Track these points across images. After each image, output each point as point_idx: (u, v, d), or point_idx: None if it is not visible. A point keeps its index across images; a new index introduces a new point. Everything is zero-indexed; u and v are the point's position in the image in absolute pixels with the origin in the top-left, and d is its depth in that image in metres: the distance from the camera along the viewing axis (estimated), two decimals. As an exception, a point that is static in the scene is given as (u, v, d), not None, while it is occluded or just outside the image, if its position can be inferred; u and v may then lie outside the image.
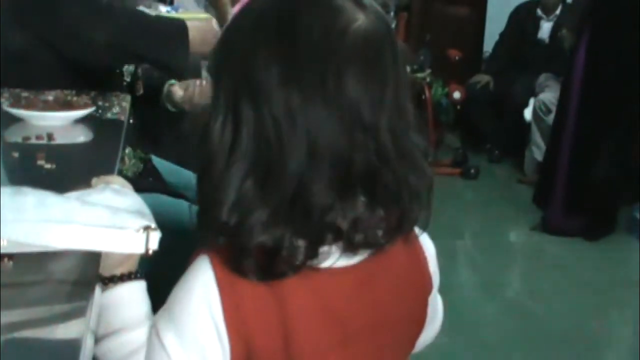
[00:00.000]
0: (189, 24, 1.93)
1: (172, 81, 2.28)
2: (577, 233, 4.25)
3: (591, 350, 3.14)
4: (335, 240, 0.92)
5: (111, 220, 0.87)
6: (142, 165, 2.01)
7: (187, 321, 0.93)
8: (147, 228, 0.88)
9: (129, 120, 1.81)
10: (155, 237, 0.89)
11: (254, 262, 0.89)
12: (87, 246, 0.85)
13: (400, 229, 0.99)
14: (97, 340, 0.93)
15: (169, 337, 0.93)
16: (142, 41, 1.90)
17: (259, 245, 0.88)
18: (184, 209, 1.82)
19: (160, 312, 0.96)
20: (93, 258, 0.88)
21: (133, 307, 0.98)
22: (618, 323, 3.45)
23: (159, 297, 1.01)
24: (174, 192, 1.97)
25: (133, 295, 0.99)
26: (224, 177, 0.88)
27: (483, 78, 5.99)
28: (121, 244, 0.87)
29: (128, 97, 2.00)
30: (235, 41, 0.94)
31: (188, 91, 2.23)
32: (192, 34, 1.92)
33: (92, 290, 0.81)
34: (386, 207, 0.95)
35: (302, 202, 0.88)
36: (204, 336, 0.92)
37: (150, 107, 2.26)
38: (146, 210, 0.96)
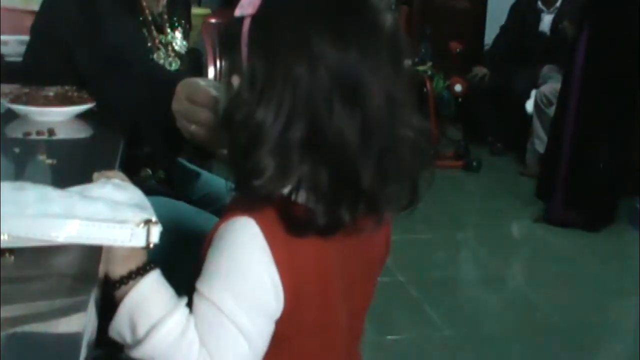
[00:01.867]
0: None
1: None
2: (579, 225, 4.25)
3: (593, 342, 3.14)
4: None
5: (111, 214, 0.87)
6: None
7: (245, 285, 0.97)
8: (147, 222, 0.88)
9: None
10: (156, 231, 0.89)
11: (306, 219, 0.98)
12: (88, 240, 0.85)
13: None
14: (143, 337, 0.94)
15: (225, 301, 0.95)
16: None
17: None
18: (187, 211, 1.82)
19: (206, 279, 0.98)
20: (94, 252, 0.88)
21: (163, 294, 0.98)
22: (620, 314, 3.46)
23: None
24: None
25: (158, 284, 0.99)
26: (264, 125, 0.95)
27: (480, 70, 5.99)
28: (122, 238, 0.87)
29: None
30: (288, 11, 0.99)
31: None
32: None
33: (94, 284, 0.81)
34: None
35: (344, 167, 0.97)
36: (264, 295, 0.98)
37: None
38: (147, 204, 0.97)
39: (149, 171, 1.94)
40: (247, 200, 1.00)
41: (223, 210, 1.06)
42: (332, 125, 0.96)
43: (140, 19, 1.88)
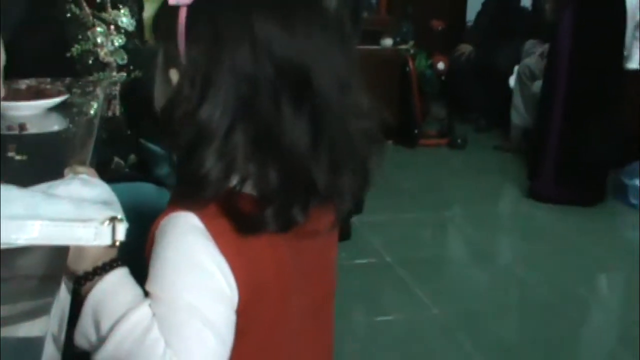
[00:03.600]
0: None
1: None
2: (568, 200, 4.25)
3: (582, 316, 3.15)
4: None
5: (76, 213, 0.85)
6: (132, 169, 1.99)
7: (195, 275, 0.93)
8: (113, 219, 0.86)
9: (104, 105, 1.79)
10: (121, 228, 0.87)
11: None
12: (52, 241, 0.83)
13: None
14: (107, 334, 0.92)
15: (181, 297, 0.92)
16: None
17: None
18: (164, 194, 1.82)
19: (156, 278, 0.94)
20: (59, 253, 0.86)
21: (128, 290, 0.96)
22: (608, 288, 3.47)
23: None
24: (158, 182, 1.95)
25: (124, 279, 0.97)
26: (209, 125, 0.92)
27: (466, 48, 5.98)
28: (86, 237, 0.85)
29: (104, 83, 1.97)
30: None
31: None
32: None
33: (58, 285, 0.79)
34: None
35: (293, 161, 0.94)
36: (216, 283, 0.94)
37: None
38: (114, 200, 0.95)
39: (120, 161, 1.94)
40: (188, 196, 0.96)
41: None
42: (280, 120, 0.93)
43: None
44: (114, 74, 2.00)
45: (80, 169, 1.10)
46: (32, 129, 1.53)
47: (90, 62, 1.96)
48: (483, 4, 6.11)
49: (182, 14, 0.95)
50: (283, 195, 0.95)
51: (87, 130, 1.57)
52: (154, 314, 0.93)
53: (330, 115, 0.96)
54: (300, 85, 0.94)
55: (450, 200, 4.52)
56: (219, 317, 0.94)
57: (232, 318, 0.96)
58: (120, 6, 2.04)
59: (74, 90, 1.85)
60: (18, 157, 1.31)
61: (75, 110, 1.72)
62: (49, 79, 1.92)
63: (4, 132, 1.48)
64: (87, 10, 1.96)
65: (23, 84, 1.81)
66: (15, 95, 1.67)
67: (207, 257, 0.93)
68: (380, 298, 3.16)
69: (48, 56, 1.91)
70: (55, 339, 0.74)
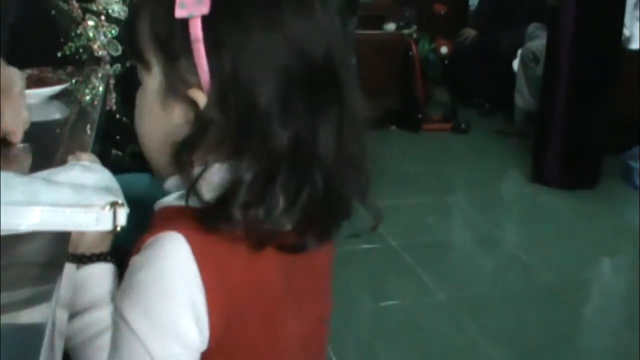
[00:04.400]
0: None
1: None
2: (573, 184, 4.25)
3: (587, 300, 3.15)
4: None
5: (76, 199, 0.84)
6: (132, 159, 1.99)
7: (160, 305, 0.86)
8: (114, 204, 0.86)
9: (106, 94, 1.78)
10: (122, 213, 0.86)
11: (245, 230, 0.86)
12: (53, 227, 0.83)
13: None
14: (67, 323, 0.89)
15: (138, 322, 0.86)
16: None
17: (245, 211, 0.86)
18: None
19: (123, 295, 0.89)
20: (61, 239, 0.85)
21: (99, 286, 0.94)
22: (613, 271, 3.46)
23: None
24: None
25: (101, 276, 0.95)
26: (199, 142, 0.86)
27: (470, 32, 5.97)
28: (87, 222, 0.85)
29: (106, 71, 1.96)
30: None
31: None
32: None
33: (60, 272, 0.78)
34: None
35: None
36: (183, 323, 0.86)
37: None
38: (115, 185, 0.94)
39: (118, 152, 1.93)
40: (176, 211, 0.90)
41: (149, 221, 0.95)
42: (316, 130, 0.87)
43: None
44: (108, 67, 1.96)
45: (83, 155, 1.10)
46: (33, 117, 1.52)
47: (84, 57, 1.91)
48: (485, -12, 6.10)
49: (196, 27, 0.85)
50: (300, 211, 0.87)
51: (88, 118, 1.56)
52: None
53: (351, 112, 0.90)
54: (329, 77, 0.88)
55: (454, 185, 4.52)
56: (167, 353, 0.87)
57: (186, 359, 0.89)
58: None
59: (76, 78, 1.84)
60: (20, 146, 1.30)
61: (76, 98, 1.71)
62: (50, 68, 1.92)
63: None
64: (75, 4, 1.90)
65: (24, 73, 1.80)
66: (17, 83, 1.66)
67: (184, 293, 0.86)
68: (386, 283, 3.16)
69: (40, 57, 1.88)
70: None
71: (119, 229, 0.87)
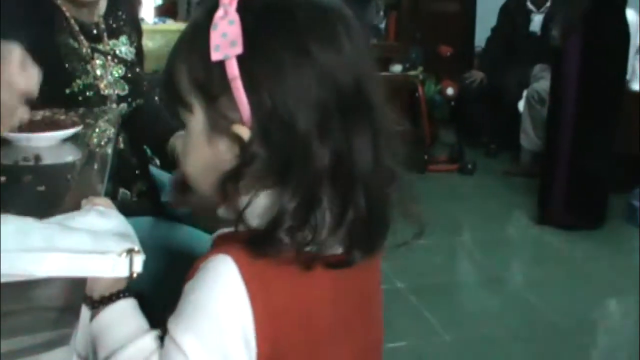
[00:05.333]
0: None
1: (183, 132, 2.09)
2: (578, 225, 4.25)
3: (594, 341, 3.14)
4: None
5: (93, 245, 0.86)
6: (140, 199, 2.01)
7: (210, 328, 0.89)
8: (130, 251, 0.88)
9: (117, 137, 1.80)
10: (139, 260, 0.88)
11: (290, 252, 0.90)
12: (70, 273, 0.85)
13: None
14: None
15: (189, 344, 0.88)
16: None
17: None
18: (181, 232, 1.83)
19: (175, 317, 0.91)
20: (77, 284, 0.87)
21: (131, 321, 0.96)
22: (620, 313, 3.45)
23: (159, 318, 0.99)
24: (171, 214, 1.96)
25: (127, 311, 0.97)
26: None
27: (477, 74, 5.99)
28: (104, 269, 0.87)
29: (116, 112, 1.98)
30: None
31: None
32: None
33: (77, 316, 0.80)
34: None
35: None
36: (230, 341, 0.89)
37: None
38: (131, 232, 0.96)
39: (126, 191, 1.95)
40: (229, 236, 0.94)
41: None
42: (353, 149, 0.91)
43: (66, 30, 1.90)
44: (114, 106, 1.99)
45: (97, 200, 1.12)
46: (46, 160, 1.54)
47: (91, 95, 1.95)
48: (492, 30, 6.12)
49: (233, 67, 0.89)
50: (344, 229, 0.92)
51: (101, 161, 1.58)
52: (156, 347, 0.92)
53: (384, 129, 0.95)
54: (361, 103, 0.93)
55: (460, 226, 4.52)
56: None
57: None
58: (118, 33, 2.04)
59: (88, 121, 1.86)
60: (40, 188, 1.32)
61: (87, 140, 1.74)
62: (63, 109, 1.94)
63: (20, 163, 1.50)
64: (85, 42, 1.95)
65: (37, 114, 1.82)
66: (30, 126, 1.68)
67: (233, 316, 0.89)
68: (392, 324, 3.13)
69: (48, 94, 1.89)
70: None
71: (135, 275, 0.89)
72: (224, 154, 0.94)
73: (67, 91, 1.92)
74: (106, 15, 2.01)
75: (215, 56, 0.89)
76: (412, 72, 5.58)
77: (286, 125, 0.89)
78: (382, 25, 6.39)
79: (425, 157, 5.41)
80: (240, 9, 0.90)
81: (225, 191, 0.92)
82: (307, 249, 0.90)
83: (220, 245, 0.94)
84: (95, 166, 1.56)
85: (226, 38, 0.89)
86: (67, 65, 1.91)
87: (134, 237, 0.94)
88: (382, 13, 6.23)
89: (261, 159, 0.89)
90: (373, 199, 0.93)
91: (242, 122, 0.91)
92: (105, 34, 1.99)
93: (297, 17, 0.91)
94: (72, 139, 1.69)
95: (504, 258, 4.09)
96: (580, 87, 4.19)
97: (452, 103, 5.76)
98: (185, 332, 0.89)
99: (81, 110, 1.96)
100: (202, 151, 0.96)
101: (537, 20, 5.84)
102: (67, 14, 1.92)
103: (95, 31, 1.97)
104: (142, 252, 0.89)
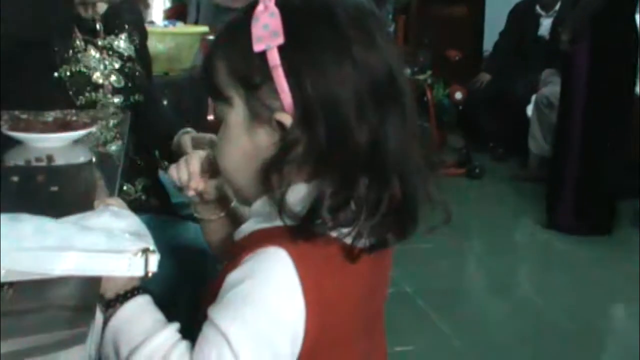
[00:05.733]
0: None
1: (188, 129, 2.08)
2: (586, 230, 4.25)
3: (602, 347, 3.13)
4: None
5: (109, 244, 0.87)
6: (145, 196, 2.02)
7: (260, 319, 0.91)
8: (145, 250, 0.88)
9: (128, 138, 1.81)
10: (154, 260, 0.89)
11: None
12: (86, 272, 0.85)
13: None
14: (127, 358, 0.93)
15: (236, 334, 0.90)
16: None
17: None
18: (191, 230, 1.84)
19: (219, 307, 0.93)
20: (93, 283, 0.88)
21: (150, 316, 0.98)
22: (627, 319, 3.44)
23: (173, 315, 1.01)
24: (180, 213, 1.97)
25: (145, 306, 0.99)
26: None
27: (484, 77, 6.00)
28: (120, 268, 0.87)
29: (128, 115, 1.99)
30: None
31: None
32: None
33: (93, 315, 0.81)
34: None
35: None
36: (279, 337, 0.92)
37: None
38: (145, 232, 0.96)
39: (130, 186, 1.97)
40: (267, 232, 0.97)
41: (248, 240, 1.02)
42: (387, 136, 0.96)
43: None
44: (109, 95, 2.01)
45: (110, 200, 1.12)
46: (59, 160, 1.55)
47: (82, 82, 1.97)
48: (500, 34, 6.13)
49: (274, 56, 0.94)
50: (380, 217, 0.96)
51: (112, 162, 1.59)
52: (199, 337, 0.93)
53: (412, 117, 1.00)
54: (396, 97, 0.98)
55: (468, 230, 4.52)
56: None
57: None
58: (117, 31, 2.06)
59: (99, 121, 1.87)
60: (54, 189, 1.32)
61: (99, 141, 1.75)
62: (73, 111, 1.95)
63: (33, 163, 1.51)
64: (79, 34, 1.97)
65: (49, 116, 1.83)
66: (42, 126, 1.70)
67: (287, 310, 0.92)
68: (400, 328, 3.15)
69: (36, 76, 1.91)
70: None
71: (150, 274, 0.90)
72: (264, 143, 0.98)
73: (55, 74, 1.93)
74: (106, 15, 2.04)
75: (257, 47, 0.94)
76: (420, 76, 5.58)
77: (326, 111, 0.93)
78: (391, 29, 6.39)
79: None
80: (278, 4, 0.96)
81: (269, 180, 0.97)
82: (348, 235, 0.95)
83: (258, 240, 0.96)
84: (107, 166, 1.57)
85: (267, 29, 0.94)
86: (55, 49, 1.92)
87: (149, 237, 0.95)
88: (390, 17, 6.23)
89: (303, 144, 0.94)
90: (406, 185, 0.98)
91: (283, 110, 0.95)
92: (102, 31, 2.02)
93: (336, 11, 0.97)
94: (84, 140, 1.70)
95: (512, 263, 4.09)
96: (589, 92, 4.18)
97: (460, 107, 5.76)
98: (232, 322, 0.91)
99: (92, 111, 1.97)
100: (242, 142, 1.01)
101: (545, 24, 5.84)
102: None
103: (92, 26, 2.00)
104: (157, 251, 0.90)
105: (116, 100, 2.02)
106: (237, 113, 1.00)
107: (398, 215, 0.99)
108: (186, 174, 1.16)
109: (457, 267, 4.03)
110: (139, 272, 0.88)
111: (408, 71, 5.62)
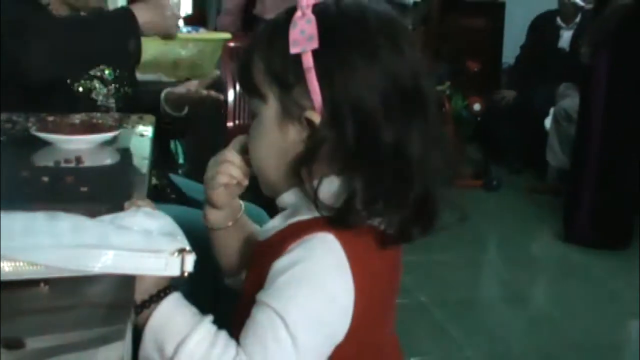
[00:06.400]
0: (135, 7, 1.96)
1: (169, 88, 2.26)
2: (605, 244, 4.23)
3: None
4: None
5: (146, 243, 0.88)
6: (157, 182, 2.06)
7: (315, 300, 0.98)
8: (181, 251, 0.89)
9: (154, 141, 1.83)
10: (190, 260, 0.90)
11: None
12: (123, 270, 0.86)
13: None
14: (172, 356, 0.95)
15: (293, 314, 0.96)
16: (89, 41, 1.92)
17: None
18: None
19: (271, 291, 0.99)
20: (128, 281, 0.89)
21: (186, 312, 1.00)
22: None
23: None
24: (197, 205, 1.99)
25: (181, 302, 1.01)
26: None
27: (508, 94, 5.99)
28: (157, 267, 0.88)
29: (153, 118, 2.01)
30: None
31: (188, 85, 2.23)
32: (142, 15, 1.94)
33: (129, 313, 0.82)
34: None
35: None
36: (330, 316, 1.00)
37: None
38: (179, 232, 0.98)
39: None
40: (307, 222, 1.04)
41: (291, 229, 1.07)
42: (411, 137, 1.02)
43: None
44: (102, 85, 2.10)
45: (140, 202, 1.14)
46: (87, 162, 1.57)
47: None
48: (521, 47, 6.14)
49: (308, 59, 1.02)
50: (425, 207, 1.04)
51: (140, 164, 1.61)
52: (248, 322, 0.99)
53: (435, 125, 1.07)
54: (420, 102, 1.05)
55: (484, 242, 4.52)
56: (312, 347, 0.99)
57: (325, 351, 1.02)
58: None
59: (124, 124, 1.90)
60: (83, 189, 1.34)
61: (125, 143, 1.76)
62: (98, 114, 1.97)
63: (62, 164, 1.52)
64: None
65: (76, 118, 1.86)
66: (71, 129, 1.72)
67: (337, 289, 1.00)
68: (414, 338, 3.15)
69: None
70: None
71: (186, 274, 0.91)
72: (294, 139, 1.06)
73: None
74: None
75: (294, 49, 1.02)
76: (439, 88, 5.58)
77: (354, 112, 1.01)
78: (410, 40, 6.40)
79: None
80: (315, 12, 1.04)
81: (298, 174, 1.04)
82: (380, 226, 1.04)
83: (300, 230, 1.03)
84: (136, 169, 1.58)
85: (304, 34, 1.02)
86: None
87: (183, 237, 0.96)
88: (410, 27, 6.25)
89: (330, 141, 1.02)
90: (428, 185, 1.04)
91: (313, 109, 1.03)
92: None
93: (368, 21, 1.05)
94: (111, 142, 1.72)
95: (529, 275, 4.08)
96: (608, 104, 4.18)
97: (479, 119, 5.76)
98: (287, 304, 0.97)
99: (117, 114, 1.99)
100: (274, 137, 1.08)
101: (566, 37, 5.84)
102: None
103: None
104: (193, 252, 0.91)
105: (111, 88, 2.14)
106: (270, 109, 1.08)
107: (421, 213, 1.05)
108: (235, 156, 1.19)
109: (473, 279, 4.03)
110: (175, 272, 0.90)
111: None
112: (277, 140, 1.08)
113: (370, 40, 1.03)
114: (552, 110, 5.39)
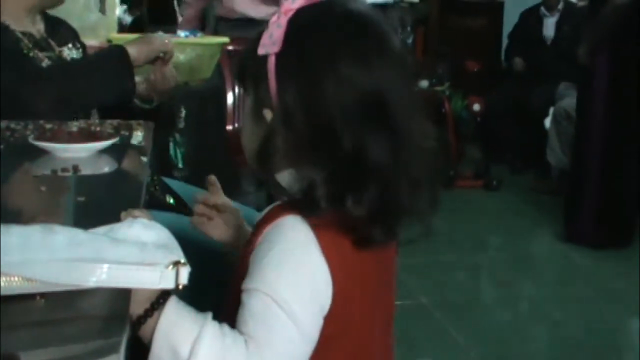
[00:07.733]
0: (127, 44, 2.03)
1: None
2: (606, 243, 4.23)
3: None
4: None
5: (140, 256, 0.88)
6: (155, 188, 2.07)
7: (298, 274, 1.05)
8: (176, 263, 0.90)
9: (152, 149, 1.82)
10: (184, 272, 0.90)
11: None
12: (118, 284, 0.86)
13: None
14: (189, 356, 0.98)
15: (282, 294, 1.03)
16: (87, 90, 1.99)
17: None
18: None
19: (255, 276, 1.06)
20: (124, 294, 0.89)
21: (190, 311, 1.02)
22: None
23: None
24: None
25: (180, 304, 1.02)
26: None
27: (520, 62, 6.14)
28: (151, 280, 0.88)
29: (151, 125, 2.01)
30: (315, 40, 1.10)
31: (150, 79, 2.23)
32: (132, 52, 2.01)
33: (124, 325, 0.82)
34: None
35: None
36: (316, 285, 1.06)
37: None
38: (174, 243, 0.97)
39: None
40: (279, 208, 1.11)
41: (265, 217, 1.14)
42: (367, 149, 1.06)
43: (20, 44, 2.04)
44: None
45: (137, 212, 1.13)
46: (85, 171, 1.56)
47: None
48: (509, 36, 6.27)
49: (272, 62, 1.10)
50: (382, 212, 1.07)
51: (136, 172, 1.61)
52: (241, 310, 1.05)
53: (405, 136, 1.09)
54: (381, 111, 1.08)
55: (485, 242, 4.52)
56: (309, 317, 1.05)
57: (320, 320, 1.07)
58: (64, 43, 2.20)
59: (122, 132, 1.89)
60: (80, 199, 1.34)
61: (123, 151, 1.76)
62: (97, 121, 1.97)
63: (59, 173, 1.52)
64: (35, 50, 2.07)
65: (74, 126, 1.85)
66: (68, 137, 1.71)
67: (312, 261, 1.06)
68: (416, 340, 3.16)
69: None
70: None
71: (180, 287, 0.91)
72: (259, 129, 1.15)
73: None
74: (47, 31, 2.17)
75: (259, 51, 1.11)
76: (438, 88, 5.59)
77: (307, 117, 1.07)
78: (409, 41, 6.40)
79: (451, 172, 5.41)
80: (292, 17, 1.11)
81: (259, 161, 1.14)
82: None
83: (272, 216, 1.11)
84: (131, 177, 1.58)
85: (271, 38, 1.11)
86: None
87: (178, 249, 0.96)
88: (409, 29, 6.25)
89: (281, 138, 1.09)
90: (388, 192, 1.07)
91: (270, 107, 1.12)
92: (53, 43, 2.16)
93: (338, 33, 1.10)
94: (108, 150, 1.72)
95: (530, 275, 4.08)
96: (608, 104, 4.18)
97: (479, 119, 5.76)
98: (275, 283, 1.04)
99: (116, 122, 1.99)
100: (250, 125, 1.19)
101: (549, 24, 6.03)
102: (18, 35, 2.05)
103: (44, 43, 2.12)
104: (188, 265, 0.91)
105: None
106: (249, 100, 1.19)
107: (378, 217, 1.08)
108: None
109: (474, 279, 4.03)
110: (169, 285, 0.90)
111: (426, 83, 5.63)
112: (252, 127, 1.17)
113: (332, 52, 1.08)
114: (551, 110, 5.39)
